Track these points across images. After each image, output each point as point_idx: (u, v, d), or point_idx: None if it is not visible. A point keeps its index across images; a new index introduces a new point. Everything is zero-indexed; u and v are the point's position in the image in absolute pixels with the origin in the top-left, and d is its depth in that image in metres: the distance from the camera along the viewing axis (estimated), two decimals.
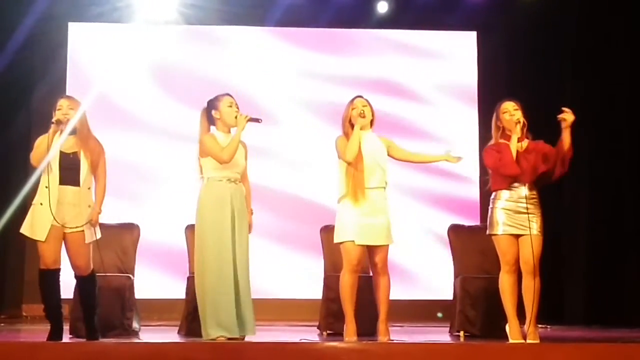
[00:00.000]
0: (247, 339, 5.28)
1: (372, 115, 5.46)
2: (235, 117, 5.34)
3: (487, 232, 5.29)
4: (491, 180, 5.33)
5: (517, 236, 5.19)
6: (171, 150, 8.27)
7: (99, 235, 5.16)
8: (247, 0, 8.25)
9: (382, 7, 8.42)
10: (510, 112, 5.26)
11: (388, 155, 5.46)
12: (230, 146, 5.31)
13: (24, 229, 5.08)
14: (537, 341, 5.09)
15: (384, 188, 5.37)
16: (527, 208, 5.15)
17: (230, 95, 5.50)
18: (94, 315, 5.16)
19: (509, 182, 5.20)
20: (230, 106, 5.43)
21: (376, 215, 5.29)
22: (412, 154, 5.63)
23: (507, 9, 8.35)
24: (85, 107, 5.22)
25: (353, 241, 5.26)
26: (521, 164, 5.16)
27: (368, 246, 5.31)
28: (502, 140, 5.30)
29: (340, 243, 5.34)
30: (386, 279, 5.33)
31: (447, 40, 8.74)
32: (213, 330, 5.18)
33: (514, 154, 5.17)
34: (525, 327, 5.17)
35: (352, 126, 5.38)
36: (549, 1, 8.15)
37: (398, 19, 8.46)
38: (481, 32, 8.71)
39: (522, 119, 5.21)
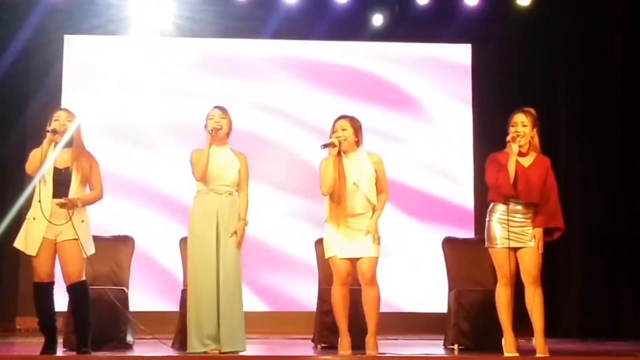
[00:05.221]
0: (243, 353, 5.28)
1: (357, 135, 5.37)
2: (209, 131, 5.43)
3: (485, 244, 5.29)
4: (489, 191, 5.32)
5: (516, 249, 5.19)
6: (166, 163, 8.26)
7: (93, 250, 5.17)
8: (242, 13, 8.26)
9: (377, 20, 8.43)
10: (517, 127, 5.22)
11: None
12: (199, 163, 5.37)
13: (18, 243, 5.11)
14: (547, 355, 5.05)
15: (371, 211, 5.31)
16: (522, 222, 5.15)
17: (219, 107, 5.56)
18: (87, 327, 5.12)
19: (506, 198, 5.19)
20: (212, 118, 5.50)
21: (360, 232, 5.28)
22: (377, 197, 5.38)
23: (502, 22, 8.36)
24: (81, 121, 5.24)
25: (337, 255, 5.29)
26: (519, 184, 5.12)
27: (356, 259, 5.30)
28: (507, 150, 5.26)
29: (328, 258, 5.38)
30: (374, 292, 5.28)
31: (442, 53, 8.75)
32: (195, 343, 5.21)
33: (512, 173, 5.13)
34: (534, 340, 5.16)
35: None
36: (544, 13, 8.16)
37: (393, 32, 8.46)
38: (476, 44, 8.72)
39: (521, 137, 5.15)
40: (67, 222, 5.00)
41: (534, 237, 5.15)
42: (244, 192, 5.53)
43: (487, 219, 5.30)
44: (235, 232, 5.39)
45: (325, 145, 5.33)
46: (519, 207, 5.18)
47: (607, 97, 8.05)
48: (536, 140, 5.28)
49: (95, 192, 5.21)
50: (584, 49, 8.17)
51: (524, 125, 5.22)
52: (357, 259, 5.30)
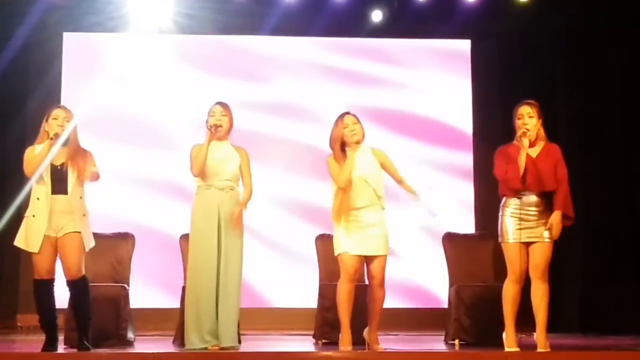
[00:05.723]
0: (241, 349, 5.29)
1: (362, 132, 5.39)
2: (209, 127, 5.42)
3: (499, 240, 5.24)
4: (499, 185, 5.28)
5: (528, 244, 5.15)
6: (166, 159, 8.26)
7: (93, 244, 5.17)
8: (241, 10, 8.25)
9: (377, 16, 8.43)
10: (524, 119, 5.20)
11: (382, 168, 5.40)
12: (197, 158, 5.37)
13: (18, 242, 5.10)
14: (548, 350, 5.04)
15: (377, 204, 5.31)
16: (535, 215, 5.11)
17: (220, 104, 5.55)
18: (87, 324, 5.12)
19: (515, 192, 5.15)
20: (213, 115, 5.48)
21: (368, 228, 5.27)
22: (398, 176, 5.45)
23: (501, 17, 8.36)
24: (78, 119, 5.25)
25: (347, 252, 5.27)
26: (528, 176, 5.09)
27: (365, 257, 5.29)
28: (516, 142, 5.25)
29: (337, 255, 5.34)
30: (382, 293, 5.29)
31: (441, 48, 8.75)
32: (194, 339, 5.22)
33: (522, 167, 5.11)
34: (535, 335, 5.15)
35: (343, 145, 5.34)
36: (543, 8, 8.16)
37: (392, 28, 8.46)
38: (475, 39, 8.72)
39: (529, 131, 5.14)
40: (68, 227, 5.01)
41: (552, 224, 5.07)
42: (247, 186, 5.50)
43: (500, 213, 5.22)
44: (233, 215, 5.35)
45: (356, 143, 5.33)
46: (533, 200, 5.13)
47: (607, 92, 8.05)
48: (542, 129, 5.26)
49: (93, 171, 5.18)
50: (584, 44, 8.17)
51: (530, 117, 5.20)
52: (367, 256, 5.28)
